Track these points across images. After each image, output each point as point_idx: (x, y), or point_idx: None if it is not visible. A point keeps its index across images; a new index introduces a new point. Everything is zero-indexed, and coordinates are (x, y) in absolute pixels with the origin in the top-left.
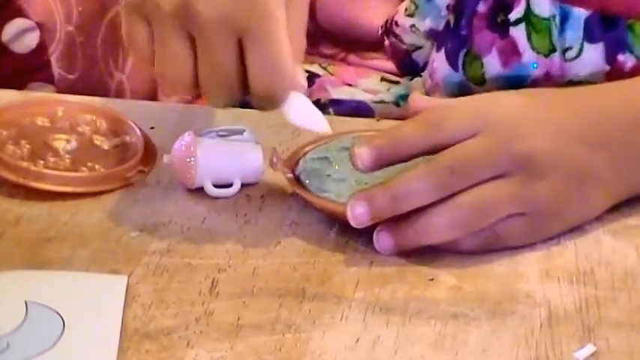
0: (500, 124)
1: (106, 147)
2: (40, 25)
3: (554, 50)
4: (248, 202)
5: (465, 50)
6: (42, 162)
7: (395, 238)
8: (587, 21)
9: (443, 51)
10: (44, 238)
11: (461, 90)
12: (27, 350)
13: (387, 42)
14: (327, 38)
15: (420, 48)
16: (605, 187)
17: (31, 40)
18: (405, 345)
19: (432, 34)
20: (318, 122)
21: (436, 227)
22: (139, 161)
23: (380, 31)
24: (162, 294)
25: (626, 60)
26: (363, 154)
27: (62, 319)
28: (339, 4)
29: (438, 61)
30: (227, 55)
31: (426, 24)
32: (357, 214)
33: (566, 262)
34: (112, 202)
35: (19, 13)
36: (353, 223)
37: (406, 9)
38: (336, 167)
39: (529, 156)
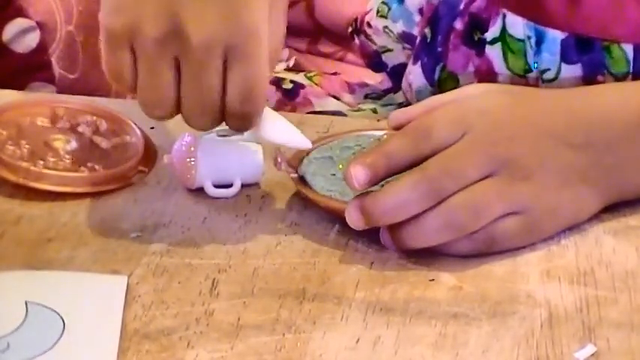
0: (483, 126)
1: (106, 147)
2: (40, 25)
3: (528, 71)
4: (248, 202)
5: (440, 66)
6: (42, 162)
7: (394, 239)
8: (562, 43)
9: (419, 64)
10: (44, 239)
11: None
12: (27, 350)
13: (356, 40)
14: (326, 36)
15: (390, 50)
16: (594, 186)
17: (32, 40)
18: (405, 345)
19: (405, 38)
20: (295, 137)
21: (430, 230)
22: (139, 161)
23: (349, 30)
24: (163, 294)
25: (606, 80)
26: (359, 173)
27: (62, 319)
28: (337, 2)
29: (414, 74)
30: (214, 76)
31: (398, 27)
32: (355, 221)
33: (566, 263)
34: (112, 202)
35: (20, 12)
36: (353, 227)
37: (378, 10)
38: (340, 166)
39: (510, 159)
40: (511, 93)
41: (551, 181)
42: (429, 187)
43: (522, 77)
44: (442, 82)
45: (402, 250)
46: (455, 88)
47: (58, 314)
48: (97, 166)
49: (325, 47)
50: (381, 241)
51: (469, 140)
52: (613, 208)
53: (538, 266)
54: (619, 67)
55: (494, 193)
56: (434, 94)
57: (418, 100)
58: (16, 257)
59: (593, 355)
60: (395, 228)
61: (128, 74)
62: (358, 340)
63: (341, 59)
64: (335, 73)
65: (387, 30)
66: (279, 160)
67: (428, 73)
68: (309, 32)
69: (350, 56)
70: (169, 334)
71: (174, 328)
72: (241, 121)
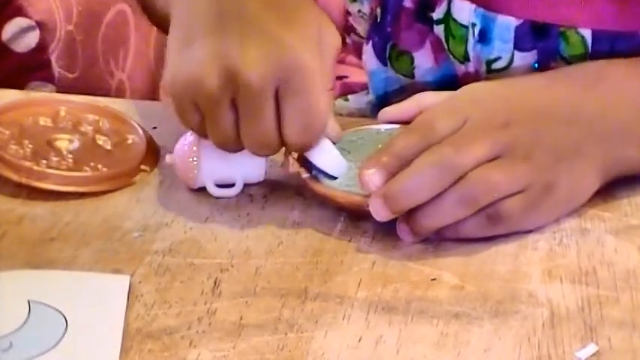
0: (478, 115)
1: (108, 147)
2: (40, 24)
3: (467, 59)
4: (250, 201)
5: (390, 44)
6: (45, 162)
7: (410, 226)
8: (517, 30)
9: (371, 44)
10: (47, 238)
11: (388, 84)
12: (30, 349)
13: (348, 40)
14: None
15: None
16: (590, 161)
17: (31, 39)
18: (407, 344)
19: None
20: (338, 167)
21: (446, 207)
22: (141, 161)
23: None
24: (165, 293)
25: (559, 67)
26: (374, 176)
27: (65, 318)
28: (338, 3)
29: (367, 54)
30: (270, 114)
31: (365, 5)
32: (379, 211)
33: (568, 262)
34: (114, 201)
35: (20, 12)
36: (377, 219)
37: None
38: (354, 155)
39: (510, 142)
40: (498, 82)
41: (547, 157)
42: (446, 165)
43: (462, 64)
44: (394, 61)
45: (418, 237)
46: (410, 65)
47: (61, 313)
48: (99, 166)
49: None
50: (397, 231)
51: (470, 127)
52: (614, 208)
53: (540, 266)
54: (575, 51)
55: (502, 171)
56: (387, 73)
57: (372, 82)
58: (19, 257)
59: (594, 354)
60: (412, 211)
61: (200, 127)
62: (360, 339)
63: (342, 61)
64: (340, 78)
65: (360, 13)
66: (289, 161)
67: (379, 52)
68: None
69: (351, 58)
70: (172, 334)
71: (177, 327)
72: (300, 149)
